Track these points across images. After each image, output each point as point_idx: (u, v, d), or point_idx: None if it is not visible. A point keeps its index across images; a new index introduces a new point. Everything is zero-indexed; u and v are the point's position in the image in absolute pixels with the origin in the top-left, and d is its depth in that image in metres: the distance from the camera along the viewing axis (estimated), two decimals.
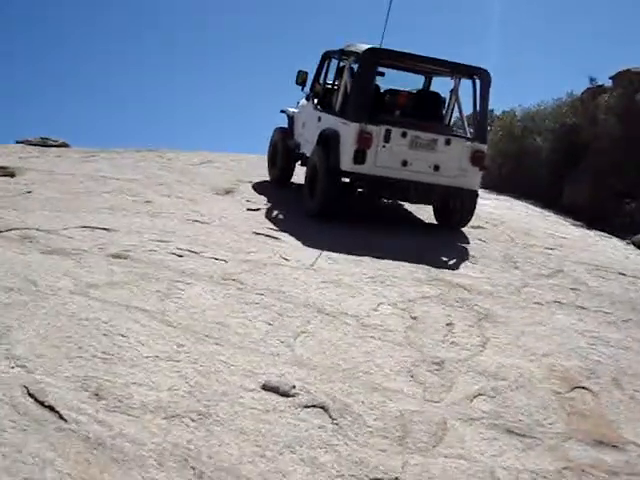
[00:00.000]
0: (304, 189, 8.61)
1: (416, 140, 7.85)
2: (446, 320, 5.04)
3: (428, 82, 9.72)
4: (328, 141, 8.09)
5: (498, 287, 6.20)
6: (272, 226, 7.22)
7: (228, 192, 9.34)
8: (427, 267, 6.46)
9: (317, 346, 4.27)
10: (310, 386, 3.74)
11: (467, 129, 8.70)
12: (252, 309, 4.67)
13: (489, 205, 11.50)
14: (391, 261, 6.43)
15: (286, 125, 10.46)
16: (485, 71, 8.35)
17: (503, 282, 6.40)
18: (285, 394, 3.62)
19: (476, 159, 8.10)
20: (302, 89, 9.74)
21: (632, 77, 14.38)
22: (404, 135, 7.79)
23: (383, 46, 7.99)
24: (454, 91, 9.04)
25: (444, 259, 6.95)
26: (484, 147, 8.27)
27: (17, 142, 20.32)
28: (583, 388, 4.33)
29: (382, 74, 9.04)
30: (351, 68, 8.52)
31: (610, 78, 15.14)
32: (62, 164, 10.91)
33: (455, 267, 6.69)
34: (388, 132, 7.73)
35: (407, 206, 9.53)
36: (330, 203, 7.99)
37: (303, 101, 10.02)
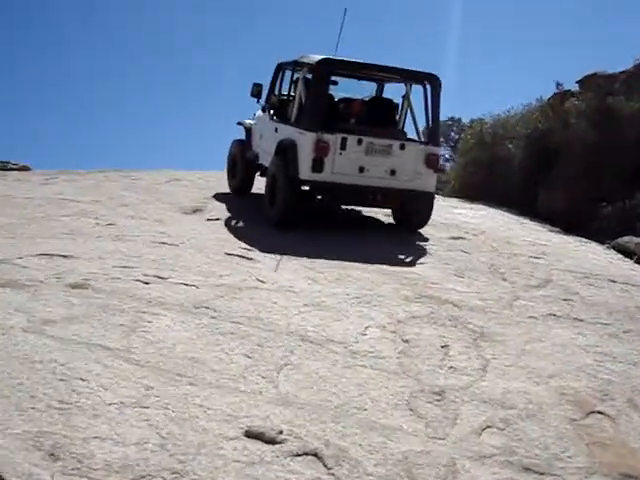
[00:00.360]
0: (264, 199, 8.62)
1: (371, 146, 8.01)
2: (440, 342, 4.62)
3: (380, 89, 9.82)
4: (286, 151, 8.16)
5: (489, 301, 5.81)
6: (245, 245, 6.76)
7: (196, 211, 8.88)
8: (413, 282, 6.06)
9: (303, 380, 3.81)
10: (299, 429, 3.29)
11: (420, 133, 8.79)
12: (228, 340, 4.20)
13: (466, 214, 11.17)
14: (373, 277, 6.02)
15: (244, 137, 10.50)
16: (434, 76, 8.56)
17: (493, 296, 6.02)
18: (271, 441, 3.16)
19: (430, 162, 8.26)
20: (257, 101, 9.85)
21: (599, 81, 14.27)
22: (360, 142, 7.93)
23: (336, 56, 8.35)
24: (406, 97, 9.18)
25: (427, 272, 6.55)
26: (438, 150, 8.59)
27: None
28: (599, 413, 3.94)
29: (335, 83, 9.14)
30: (305, 79, 8.60)
31: (577, 82, 15.02)
32: (20, 188, 10.36)
33: (442, 281, 6.28)
34: (344, 140, 7.86)
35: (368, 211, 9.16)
36: (290, 211, 8.06)
37: (259, 113, 10.07)
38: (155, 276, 5.35)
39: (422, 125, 8.77)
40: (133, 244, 6.41)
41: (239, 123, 10.86)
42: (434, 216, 9.89)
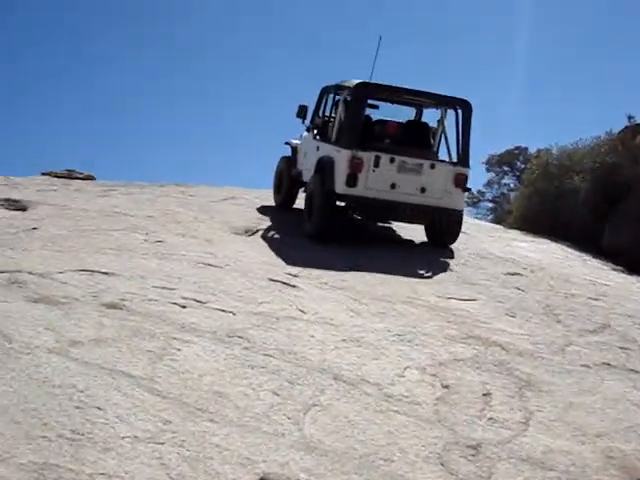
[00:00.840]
0: (304, 213, 9.26)
1: (403, 165, 8.63)
2: (483, 389, 4.36)
3: (419, 113, 10.49)
4: (324, 167, 8.86)
5: (539, 345, 5.51)
6: (290, 271, 6.60)
7: (247, 231, 8.79)
8: (461, 321, 5.80)
9: (330, 423, 3.61)
10: (318, 479, 3.08)
11: (452, 155, 9.31)
12: (257, 374, 4.03)
13: (526, 248, 10.81)
14: (419, 312, 5.79)
15: (289, 155, 11.07)
16: (466, 102, 9.18)
17: (545, 339, 5.72)
18: None
19: (459, 181, 8.84)
20: (302, 122, 10.52)
21: None
22: (392, 160, 8.56)
23: (376, 81, 8.95)
24: (440, 120, 9.78)
25: (478, 309, 6.28)
26: (466, 170, 9.04)
27: (42, 174, 20.07)
28: None
29: (376, 107, 10.08)
30: (345, 101, 9.33)
31: None
32: (78, 199, 10.45)
33: (492, 321, 6.00)
34: (377, 158, 8.49)
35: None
36: (326, 224, 8.63)
37: (305, 133, 10.67)
38: (193, 299, 5.23)
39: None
40: (177, 264, 6.32)
41: (286, 143, 11.31)
42: (491, 249, 9.63)
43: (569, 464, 3.58)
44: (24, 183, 13.56)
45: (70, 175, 19.82)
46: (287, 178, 10.70)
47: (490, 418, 3.96)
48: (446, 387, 4.30)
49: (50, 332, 4.20)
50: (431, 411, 3.94)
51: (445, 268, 8.00)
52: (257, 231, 8.83)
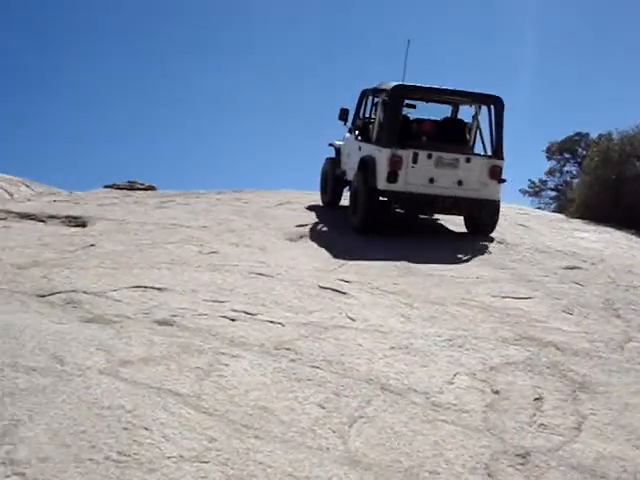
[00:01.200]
0: (349, 209, 9.97)
1: (440, 160, 9.23)
2: (534, 393, 4.28)
3: (455, 110, 10.98)
4: (367, 165, 9.49)
5: (597, 344, 5.38)
6: (342, 277, 6.60)
7: (301, 237, 8.82)
8: (515, 321, 5.71)
9: (376, 436, 3.59)
10: None
11: (487, 148, 9.89)
12: (304, 387, 4.04)
13: (587, 239, 10.58)
14: (473, 314, 5.73)
15: (333, 156, 11.85)
16: (498, 98, 9.74)
17: (603, 337, 5.58)
18: None
19: (494, 173, 9.39)
20: (344, 124, 11.18)
21: None
22: (429, 156, 9.18)
23: (411, 82, 9.65)
24: (475, 116, 10.38)
25: (533, 307, 6.16)
26: (501, 163, 9.51)
27: (105, 186, 20.51)
28: None
29: (414, 107, 10.61)
30: (383, 102, 9.90)
31: None
32: (136, 212, 10.66)
33: (548, 319, 5.88)
34: (415, 155, 9.13)
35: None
36: (370, 218, 9.35)
37: (347, 134, 11.32)
38: (243, 312, 5.27)
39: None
40: (229, 275, 6.39)
41: (330, 144, 12.11)
42: (550, 242, 9.45)
43: (621, 470, 3.48)
44: (86, 197, 13.91)
45: (132, 187, 20.22)
46: (332, 178, 11.38)
47: (541, 424, 3.88)
48: (496, 393, 4.24)
49: (101, 352, 4.29)
50: (480, 419, 3.88)
51: (501, 265, 7.87)
52: (309, 235, 8.88)
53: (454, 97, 10.16)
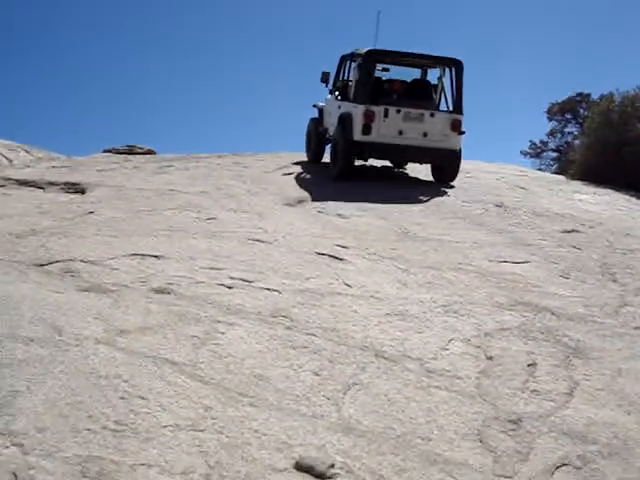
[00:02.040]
0: (330, 160, 11.61)
1: (408, 115, 10.87)
2: (528, 359, 4.32)
3: (424, 73, 12.61)
4: (344, 121, 11.08)
5: (592, 308, 5.42)
6: (340, 243, 6.62)
7: (300, 202, 8.83)
8: (512, 286, 5.74)
9: (370, 403, 3.64)
10: (354, 462, 3.12)
11: (449, 105, 11.51)
12: (299, 355, 4.08)
13: (586, 201, 10.60)
14: (469, 279, 5.76)
15: (317, 116, 13.33)
16: (458, 61, 11.29)
17: (598, 301, 5.61)
18: (321, 475, 3.00)
19: (455, 126, 11.04)
20: (326, 86, 12.70)
21: None
22: (398, 112, 10.81)
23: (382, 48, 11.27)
24: (439, 78, 11.86)
25: (530, 272, 6.19)
26: (460, 117, 11.12)
27: (104, 150, 20.48)
28: None
29: (387, 70, 12.26)
30: (359, 66, 11.46)
31: None
32: (135, 177, 10.67)
33: (544, 284, 5.91)
34: (386, 110, 10.76)
35: None
36: (347, 166, 11.04)
37: (328, 95, 12.89)
38: (240, 279, 5.30)
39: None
40: (227, 242, 6.41)
41: (314, 105, 13.62)
42: (549, 205, 9.46)
43: (612, 436, 3.52)
44: (86, 163, 13.89)
45: (131, 151, 20.17)
46: (315, 136, 12.97)
47: (533, 390, 3.93)
48: (490, 359, 4.27)
49: (99, 322, 4.33)
50: (473, 385, 3.93)
51: (499, 229, 7.89)
52: (308, 201, 8.89)
53: (420, 60, 11.80)
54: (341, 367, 3.98)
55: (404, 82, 12.02)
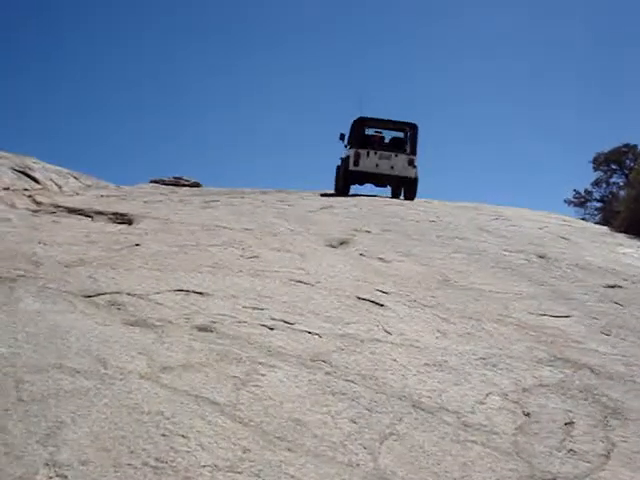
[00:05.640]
0: (335, 182, 20.32)
1: (382, 155, 18.73)
2: (565, 418, 4.30)
3: (404, 132, 20.17)
4: (344, 159, 19.72)
5: (632, 367, 5.36)
6: (381, 288, 6.67)
7: (342, 243, 8.91)
8: (551, 340, 5.72)
9: (406, 454, 3.66)
10: None
11: (408, 150, 19.33)
12: (337, 401, 4.13)
13: (630, 255, 10.51)
14: (509, 332, 5.76)
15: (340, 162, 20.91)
16: (413, 124, 19.45)
17: (639, 360, 5.56)
18: None
19: (410, 162, 18.77)
20: (343, 141, 20.27)
21: None
22: (375, 153, 18.72)
23: (369, 116, 19.82)
24: (405, 134, 19.98)
25: (571, 327, 6.16)
26: (414, 157, 18.92)
27: (151, 181, 20.82)
28: None
29: (381, 132, 20.32)
30: (352, 126, 19.79)
31: None
32: (181, 211, 10.87)
33: (584, 340, 5.88)
34: (368, 152, 18.67)
35: None
36: (346, 185, 19.08)
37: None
38: (282, 320, 5.37)
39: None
40: (270, 281, 6.50)
41: (340, 157, 20.98)
42: (592, 257, 9.41)
43: None
44: (133, 193, 14.16)
45: (177, 182, 20.52)
46: (341, 175, 19.92)
47: (570, 450, 3.91)
48: (527, 415, 4.27)
49: (143, 357, 4.43)
50: (509, 442, 3.93)
51: (540, 281, 7.87)
52: (351, 243, 8.96)
53: (390, 124, 20.02)
54: (378, 416, 4.02)
55: (382, 136, 20.04)
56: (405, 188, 18.90)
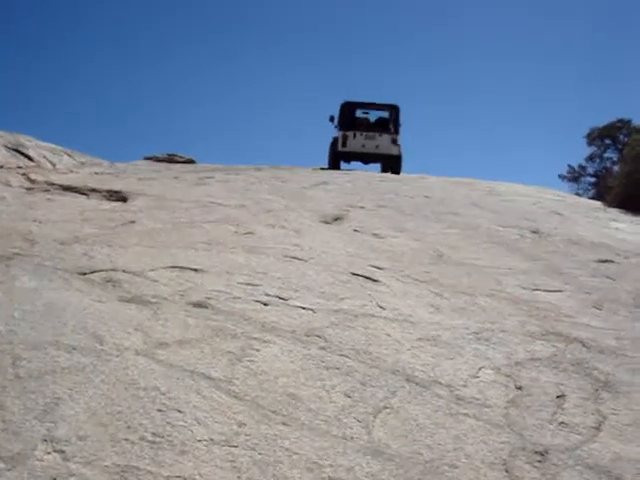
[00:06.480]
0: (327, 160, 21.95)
1: (368, 135, 21.12)
2: (557, 391, 4.36)
3: (388, 112, 22.15)
4: (335, 140, 21.54)
5: (623, 341, 5.42)
6: (374, 264, 6.70)
7: (337, 219, 8.94)
8: (544, 315, 5.77)
9: (399, 427, 3.72)
10: None
11: (391, 129, 21.66)
12: (331, 376, 4.17)
13: (623, 230, 10.56)
14: (502, 306, 5.80)
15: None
16: (395, 106, 21.86)
17: (630, 334, 5.60)
18: None
19: (393, 141, 21.11)
20: (332, 122, 22.17)
21: None
22: (361, 134, 21.01)
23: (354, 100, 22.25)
24: (389, 115, 22.04)
25: (563, 301, 6.21)
26: (397, 136, 21.28)
27: (145, 157, 20.75)
28: None
29: (367, 113, 22.68)
30: (340, 110, 21.94)
31: None
32: (175, 188, 10.87)
33: (576, 314, 5.93)
34: (354, 134, 20.96)
35: None
36: (335, 163, 21.03)
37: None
38: (276, 296, 5.41)
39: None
40: (264, 257, 6.53)
41: (333, 137, 22.40)
42: (585, 233, 9.46)
43: (637, 473, 3.56)
44: (127, 170, 14.14)
45: (171, 159, 20.46)
46: (332, 152, 21.91)
47: (561, 422, 3.97)
48: (519, 388, 4.32)
49: (139, 333, 4.47)
50: (501, 414, 3.98)
51: (533, 256, 7.92)
52: (345, 219, 8.99)
53: (374, 106, 22.20)
54: (372, 390, 4.07)
55: (368, 118, 22.43)
56: (390, 164, 20.85)
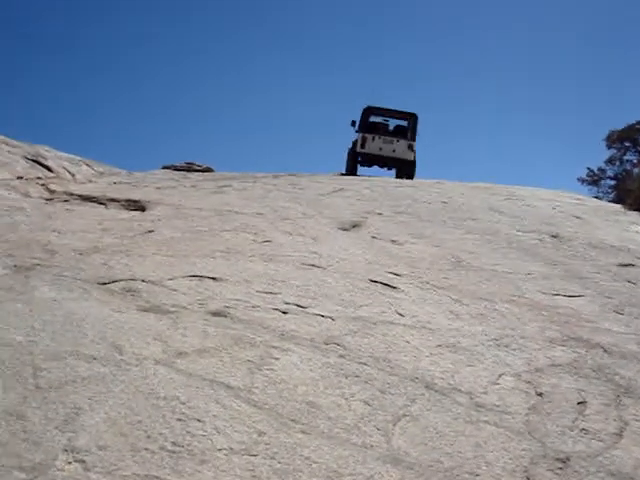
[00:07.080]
0: (345, 163, 23.14)
1: (385, 139, 22.22)
2: (578, 397, 4.32)
3: (407, 120, 23.29)
4: (354, 142, 22.68)
5: None
6: (393, 271, 6.69)
7: (354, 226, 8.93)
8: (564, 320, 5.73)
9: (419, 435, 3.70)
10: None
11: (408, 136, 22.59)
12: (350, 384, 4.16)
13: None
14: (522, 312, 5.77)
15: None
16: (413, 114, 22.94)
17: None
18: None
19: (410, 147, 22.03)
20: (353, 126, 22.94)
21: None
22: (380, 138, 22.12)
23: (375, 105, 23.46)
24: (407, 122, 23.10)
25: (584, 307, 6.16)
26: (413, 143, 22.22)
27: (163, 167, 20.87)
28: None
29: (387, 120, 24.03)
30: (362, 114, 22.76)
31: None
32: (193, 196, 10.91)
33: (597, 319, 5.89)
34: (373, 137, 22.12)
35: None
36: (354, 166, 22.53)
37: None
38: (295, 304, 5.41)
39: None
40: (283, 265, 6.53)
41: (352, 140, 23.64)
42: (605, 236, 9.39)
43: None
44: (145, 179, 14.21)
45: (189, 168, 20.55)
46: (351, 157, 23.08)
47: (582, 429, 3.94)
48: (540, 395, 4.29)
49: (158, 342, 4.48)
50: (522, 421, 3.96)
51: (553, 260, 7.87)
52: (364, 226, 8.97)
53: (394, 113, 23.28)
54: (392, 398, 4.05)
55: (387, 124, 23.53)
56: (405, 169, 21.97)
